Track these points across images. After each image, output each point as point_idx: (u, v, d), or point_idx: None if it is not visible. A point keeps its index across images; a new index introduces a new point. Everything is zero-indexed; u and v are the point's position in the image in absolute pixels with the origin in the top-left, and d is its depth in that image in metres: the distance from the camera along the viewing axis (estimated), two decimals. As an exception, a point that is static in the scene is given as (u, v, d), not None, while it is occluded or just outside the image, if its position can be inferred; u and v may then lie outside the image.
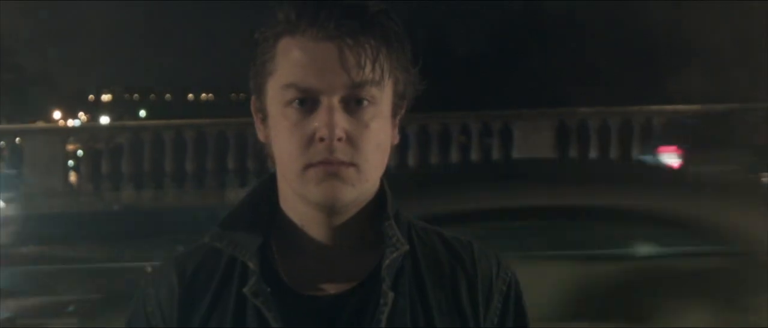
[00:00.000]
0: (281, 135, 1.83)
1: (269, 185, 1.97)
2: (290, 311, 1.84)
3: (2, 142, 22.69)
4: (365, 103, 1.80)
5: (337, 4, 1.82)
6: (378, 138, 1.83)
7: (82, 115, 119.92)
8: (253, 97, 1.93)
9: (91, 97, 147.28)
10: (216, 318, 1.87)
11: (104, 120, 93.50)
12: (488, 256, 1.96)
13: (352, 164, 1.79)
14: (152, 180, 21.19)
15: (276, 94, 1.84)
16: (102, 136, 22.69)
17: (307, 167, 1.79)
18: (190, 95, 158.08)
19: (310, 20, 1.81)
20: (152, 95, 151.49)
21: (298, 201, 1.87)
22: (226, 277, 1.90)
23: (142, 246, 16.36)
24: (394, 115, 1.89)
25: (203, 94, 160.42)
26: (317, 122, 1.78)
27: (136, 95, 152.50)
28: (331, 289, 1.87)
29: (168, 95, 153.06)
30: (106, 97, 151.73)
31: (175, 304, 1.90)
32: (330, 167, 1.78)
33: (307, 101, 1.80)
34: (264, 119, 1.90)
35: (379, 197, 1.93)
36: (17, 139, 22.13)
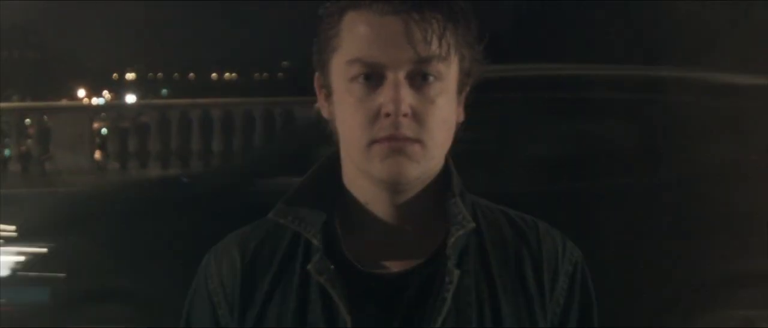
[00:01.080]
0: (346, 111, 1.83)
1: (332, 162, 1.97)
2: (354, 288, 1.83)
3: (28, 120, 22.69)
4: (431, 78, 1.78)
5: None
6: (443, 114, 1.81)
7: (106, 93, 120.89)
8: (316, 74, 1.92)
9: (114, 75, 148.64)
10: (279, 295, 1.86)
11: (129, 99, 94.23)
12: (554, 236, 1.94)
13: (418, 141, 1.77)
14: (179, 159, 21.20)
15: (341, 69, 1.83)
16: (129, 115, 22.74)
17: (372, 143, 1.78)
18: (214, 74, 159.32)
19: None
20: (176, 74, 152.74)
21: (362, 178, 1.86)
22: (289, 254, 1.89)
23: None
24: (459, 91, 1.86)
25: (226, 74, 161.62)
26: (383, 98, 1.77)
27: (159, 74, 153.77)
28: (394, 267, 1.86)
29: (192, 74, 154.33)
30: (130, 76, 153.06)
31: (238, 281, 1.91)
32: (395, 144, 1.76)
33: (373, 77, 1.78)
34: (328, 96, 1.89)
35: (444, 175, 1.90)
36: (44, 116, 22.13)
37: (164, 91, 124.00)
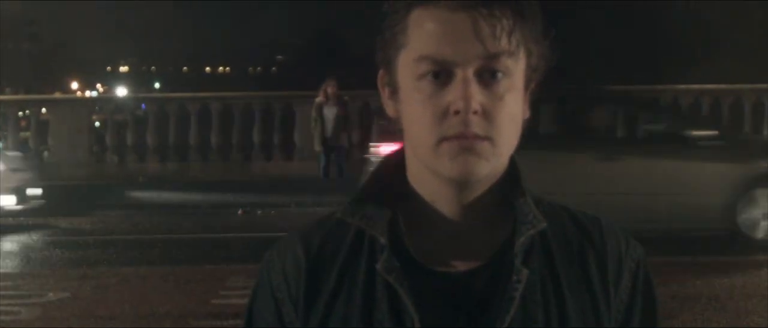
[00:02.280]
0: (414, 109, 1.75)
1: (397, 159, 1.90)
2: (421, 286, 1.77)
3: (27, 112, 22.66)
4: (500, 75, 1.71)
5: None
6: (512, 111, 1.74)
7: (99, 86, 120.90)
8: (381, 71, 1.87)
9: (108, 68, 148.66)
10: (345, 292, 1.80)
11: (120, 92, 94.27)
12: (616, 232, 1.89)
13: (487, 138, 1.70)
14: (177, 153, 21.21)
15: (408, 67, 1.76)
16: (127, 108, 22.74)
17: (441, 140, 1.71)
18: (208, 68, 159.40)
19: None
20: (170, 67, 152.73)
21: (429, 176, 1.79)
22: (353, 251, 1.83)
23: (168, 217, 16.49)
24: (526, 87, 1.79)
25: (220, 67, 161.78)
26: (452, 95, 1.69)
27: (153, 67, 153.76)
28: (460, 265, 1.80)
29: (185, 68, 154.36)
30: (123, 69, 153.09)
31: (302, 277, 1.84)
32: (465, 142, 1.69)
33: (442, 74, 1.71)
34: (393, 93, 1.83)
35: (510, 172, 1.84)
36: (43, 109, 22.10)
37: (157, 84, 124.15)
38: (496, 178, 1.80)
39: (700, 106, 20.53)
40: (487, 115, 1.69)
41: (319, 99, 18.28)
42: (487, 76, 1.70)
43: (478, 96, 1.68)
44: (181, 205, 17.79)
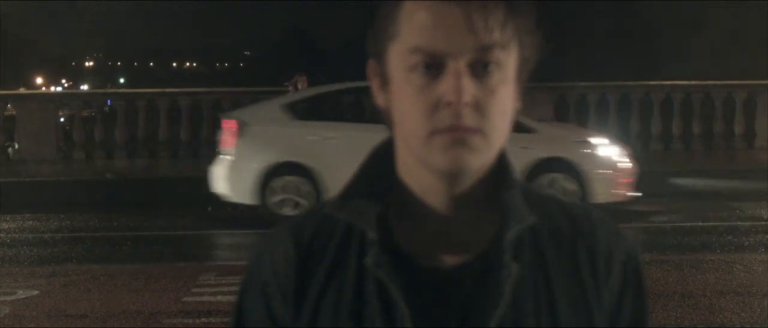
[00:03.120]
0: (405, 101, 1.75)
1: (386, 151, 1.89)
2: (411, 281, 1.77)
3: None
4: (492, 67, 1.71)
5: None
6: (504, 104, 1.74)
7: (64, 81, 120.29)
8: (370, 62, 1.86)
9: (73, 63, 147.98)
10: (334, 287, 1.80)
11: (85, 87, 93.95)
12: (607, 224, 1.89)
13: (479, 131, 1.70)
14: (145, 149, 21.09)
15: (399, 58, 1.75)
16: (95, 103, 22.59)
17: (433, 133, 1.70)
18: (174, 63, 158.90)
19: None
20: (135, 62, 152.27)
21: (419, 168, 1.79)
22: (343, 245, 1.83)
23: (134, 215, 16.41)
24: (518, 79, 1.79)
25: (187, 63, 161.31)
26: (444, 87, 1.69)
27: (118, 62, 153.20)
28: (450, 259, 1.80)
29: (151, 63, 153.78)
30: (88, 64, 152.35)
31: (292, 272, 1.84)
32: (456, 134, 1.69)
33: (433, 65, 1.71)
34: (384, 84, 1.82)
35: (499, 164, 1.83)
36: (8, 105, 21.94)
37: (122, 79, 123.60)
38: (486, 171, 1.80)
39: (672, 102, 20.64)
40: (478, 107, 1.69)
41: (290, 93, 18.23)
42: (480, 68, 1.71)
43: (470, 88, 1.69)
44: (150, 202, 17.72)
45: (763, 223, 14.81)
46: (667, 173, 18.81)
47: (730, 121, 20.62)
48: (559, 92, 20.87)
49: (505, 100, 1.73)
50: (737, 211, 15.81)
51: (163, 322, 9.41)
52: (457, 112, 1.68)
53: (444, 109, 1.69)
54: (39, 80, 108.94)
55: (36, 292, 10.61)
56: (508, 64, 1.74)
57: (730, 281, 10.65)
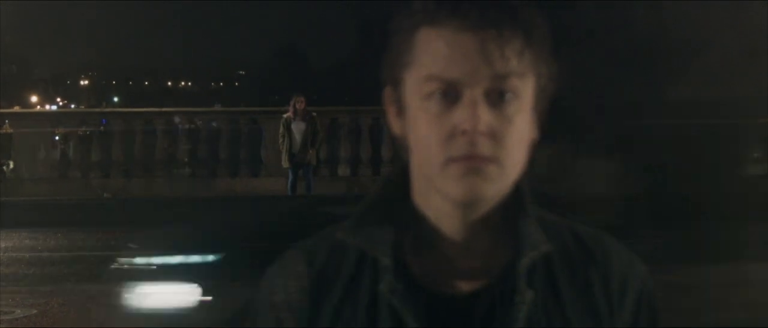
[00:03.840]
0: (421, 128, 1.75)
1: (401, 178, 1.87)
2: (425, 308, 1.77)
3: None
4: (509, 96, 1.71)
5: None
6: (521, 133, 1.73)
7: (59, 100, 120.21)
8: (387, 89, 1.85)
9: (68, 82, 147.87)
10: (347, 313, 1.80)
11: (80, 105, 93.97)
12: (620, 251, 1.88)
13: (494, 160, 1.70)
14: (142, 168, 21.13)
15: (415, 85, 1.75)
16: (91, 122, 22.64)
17: (448, 161, 1.70)
18: (169, 82, 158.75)
19: (452, 10, 1.73)
20: (130, 82, 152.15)
21: (435, 196, 1.78)
22: (357, 270, 1.82)
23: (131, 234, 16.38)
24: (535, 109, 1.78)
25: (182, 82, 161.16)
26: (459, 115, 1.69)
27: (113, 81, 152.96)
28: (464, 286, 1.79)
29: (146, 82, 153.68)
30: (83, 83, 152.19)
31: (305, 296, 1.83)
32: (471, 163, 1.69)
33: (450, 93, 1.71)
34: (399, 112, 1.81)
35: (515, 192, 1.82)
36: (6, 122, 21.98)
37: (116, 98, 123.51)
38: (501, 199, 1.80)
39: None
40: (494, 136, 1.69)
41: (287, 115, 18.23)
42: (496, 97, 1.71)
43: (485, 117, 1.69)
44: (146, 220, 17.69)
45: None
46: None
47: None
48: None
49: (521, 129, 1.74)
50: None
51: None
52: (472, 141, 1.68)
53: (460, 138, 1.69)
54: (33, 99, 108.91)
55: (34, 311, 10.65)
56: (525, 94, 1.74)
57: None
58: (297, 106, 18.26)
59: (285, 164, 18.44)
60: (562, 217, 1.92)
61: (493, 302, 1.78)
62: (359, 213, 1.87)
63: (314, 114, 18.57)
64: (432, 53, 1.74)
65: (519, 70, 1.72)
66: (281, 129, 18.41)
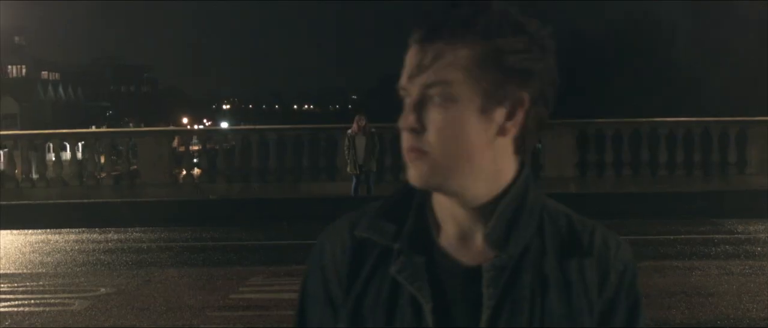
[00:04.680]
0: None
1: None
2: (437, 285, 1.76)
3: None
4: (437, 100, 1.70)
5: (439, 11, 1.77)
6: (449, 131, 1.71)
7: (205, 120, 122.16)
8: None
9: (213, 105, 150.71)
10: (377, 280, 1.81)
11: (224, 125, 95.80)
12: (607, 237, 1.82)
13: (418, 150, 1.71)
14: (241, 175, 21.36)
15: None
16: (204, 138, 22.97)
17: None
18: (295, 106, 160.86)
19: (414, 30, 1.77)
20: (263, 106, 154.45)
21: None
22: (386, 248, 1.83)
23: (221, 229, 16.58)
24: (482, 111, 1.72)
25: (306, 105, 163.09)
26: (403, 115, 1.74)
27: (250, 105, 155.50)
28: (469, 261, 1.77)
29: (276, 106, 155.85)
30: (226, 106, 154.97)
31: (346, 260, 1.85)
32: (407, 154, 1.73)
33: (405, 98, 1.76)
34: None
35: (513, 184, 1.79)
36: (131, 139, 22.42)
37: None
38: (484, 193, 1.77)
39: (675, 136, 20.40)
40: (419, 131, 1.70)
41: (350, 131, 18.37)
42: (427, 101, 1.71)
43: (410, 117, 1.71)
44: (237, 218, 17.87)
45: (735, 236, 14.53)
46: (669, 194, 18.54)
47: (725, 151, 20.29)
48: (580, 128, 20.71)
49: (452, 125, 1.71)
50: (717, 225, 15.54)
51: (207, 314, 9.55)
52: (405, 137, 1.72)
53: (405, 134, 1.73)
54: (185, 120, 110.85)
55: (114, 290, 10.83)
56: (459, 98, 1.71)
57: (683, 283, 10.48)
58: (359, 123, 18.36)
59: (349, 171, 18.58)
60: (565, 207, 1.87)
61: (477, 276, 1.76)
62: (378, 207, 1.88)
63: (373, 130, 18.61)
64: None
65: (449, 78, 1.70)
66: (346, 142, 18.55)
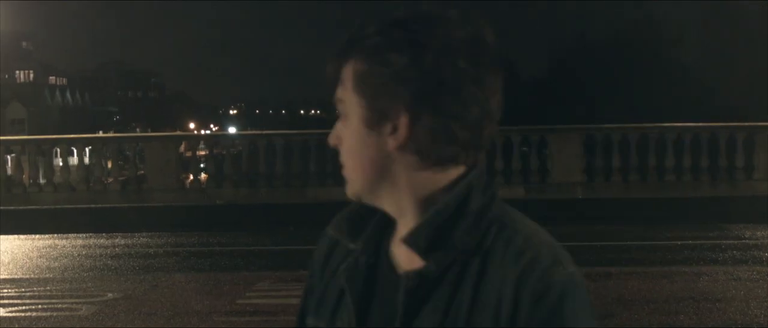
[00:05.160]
0: None
1: None
2: (370, 286, 1.78)
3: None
4: (342, 116, 1.74)
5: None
6: (349, 144, 1.74)
7: (212, 125, 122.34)
8: None
9: (220, 111, 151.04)
10: (334, 282, 1.84)
11: (232, 130, 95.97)
12: (540, 257, 1.66)
13: (344, 165, 1.76)
14: (247, 180, 21.35)
15: None
16: (211, 143, 23.00)
17: None
18: (302, 111, 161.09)
19: None
20: (270, 111, 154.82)
21: None
22: (346, 253, 1.86)
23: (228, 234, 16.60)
24: (370, 126, 1.71)
25: (312, 110, 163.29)
26: None
27: (257, 110, 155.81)
28: (405, 268, 1.74)
29: (284, 111, 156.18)
30: (232, 112, 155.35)
31: (321, 258, 1.91)
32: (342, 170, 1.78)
33: None
34: None
35: (462, 197, 1.72)
36: (138, 144, 22.44)
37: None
38: (411, 200, 1.74)
39: (683, 141, 20.36)
40: (338, 146, 1.76)
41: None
42: (343, 115, 1.74)
43: (334, 132, 1.76)
44: (245, 223, 17.87)
45: (742, 241, 14.50)
46: (677, 199, 18.50)
47: (733, 156, 20.25)
48: (587, 132, 20.69)
49: (349, 141, 1.73)
50: (724, 231, 15.52)
51: (214, 320, 9.56)
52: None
53: None
54: (191, 125, 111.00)
55: (121, 294, 10.85)
56: (352, 114, 1.72)
57: (691, 289, 10.47)
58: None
59: (357, 176, 18.57)
60: (528, 222, 1.76)
61: (403, 285, 1.73)
62: (351, 208, 1.85)
63: (380, 135, 18.60)
64: None
65: (339, 96, 1.74)
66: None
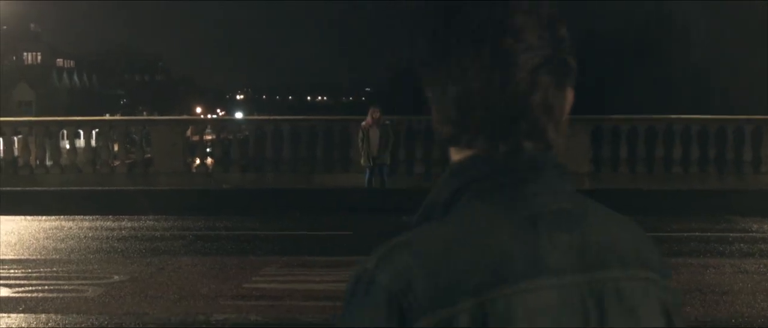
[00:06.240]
0: None
1: None
2: None
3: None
4: None
5: None
6: None
7: (219, 110, 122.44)
8: None
9: (227, 96, 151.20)
10: None
11: (238, 115, 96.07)
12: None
13: None
14: (254, 165, 21.35)
15: None
16: (218, 128, 22.98)
17: None
18: (309, 97, 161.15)
19: None
20: (277, 97, 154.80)
21: None
22: None
23: (235, 218, 16.57)
24: None
25: (319, 97, 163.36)
26: None
27: (263, 96, 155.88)
28: None
29: (290, 97, 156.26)
30: (239, 97, 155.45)
31: None
32: None
33: None
34: None
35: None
36: (145, 127, 22.43)
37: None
38: None
39: (691, 133, 20.33)
40: None
41: (364, 123, 18.28)
42: None
43: None
44: (251, 208, 17.83)
45: (749, 234, 14.46)
46: (684, 191, 18.46)
47: (740, 149, 20.21)
48: (595, 123, 20.63)
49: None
50: (731, 223, 15.48)
51: (221, 303, 9.56)
52: None
53: None
54: (198, 109, 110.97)
55: (128, 277, 10.84)
56: None
57: (698, 281, 10.44)
58: (373, 115, 18.27)
59: (363, 163, 18.50)
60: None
61: None
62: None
63: (387, 122, 18.54)
64: None
65: None
66: (360, 134, 18.42)
